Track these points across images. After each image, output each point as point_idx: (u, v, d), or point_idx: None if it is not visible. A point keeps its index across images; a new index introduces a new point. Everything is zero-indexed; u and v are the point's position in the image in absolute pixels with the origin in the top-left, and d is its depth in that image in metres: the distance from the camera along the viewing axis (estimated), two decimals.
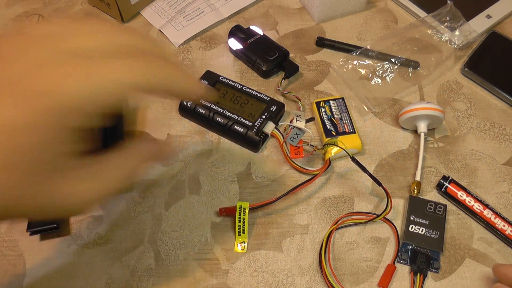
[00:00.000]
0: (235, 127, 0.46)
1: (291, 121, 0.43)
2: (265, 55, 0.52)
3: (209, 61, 0.55)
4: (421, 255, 0.40)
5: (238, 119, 0.46)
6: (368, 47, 0.54)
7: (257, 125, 0.45)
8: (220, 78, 0.50)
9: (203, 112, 0.47)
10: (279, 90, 0.51)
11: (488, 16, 0.57)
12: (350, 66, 0.53)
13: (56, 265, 0.40)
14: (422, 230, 0.41)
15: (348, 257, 0.40)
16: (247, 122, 0.46)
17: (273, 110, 0.47)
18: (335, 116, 0.46)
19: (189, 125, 0.49)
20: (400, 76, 0.52)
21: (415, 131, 0.47)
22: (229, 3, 0.60)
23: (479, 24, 0.56)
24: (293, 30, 0.57)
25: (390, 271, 0.40)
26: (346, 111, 0.47)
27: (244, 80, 0.53)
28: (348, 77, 0.52)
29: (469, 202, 0.42)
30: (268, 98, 0.48)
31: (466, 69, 0.52)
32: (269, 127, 0.46)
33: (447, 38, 0.54)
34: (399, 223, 0.42)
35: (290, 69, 0.52)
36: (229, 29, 0.55)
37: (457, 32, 0.55)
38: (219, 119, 0.46)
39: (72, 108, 0.22)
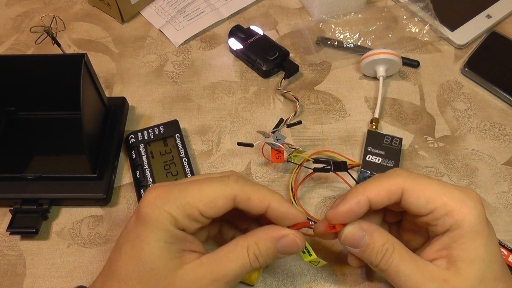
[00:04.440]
0: (140, 189, 0.42)
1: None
2: (265, 55, 0.52)
3: (209, 61, 0.55)
4: None
5: (148, 184, 0.42)
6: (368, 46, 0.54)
7: None
8: (176, 135, 0.46)
9: (134, 156, 0.44)
10: (278, 89, 0.51)
11: (488, 16, 0.57)
12: (350, 65, 0.53)
13: (56, 265, 0.40)
14: (379, 159, 0.44)
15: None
16: None
17: None
18: None
19: (189, 125, 0.49)
20: (400, 76, 0.53)
21: None
22: (229, 3, 0.60)
23: (479, 24, 0.56)
24: (293, 30, 0.57)
25: None
26: None
27: (244, 80, 0.53)
28: (348, 77, 0.52)
29: None
30: None
31: (466, 69, 0.52)
32: None
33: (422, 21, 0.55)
34: None
35: (290, 69, 0.52)
36: (229, 29, 0.55)
37: (457, 32, 0.55)
38: (137, 172, 0.43)
39: None
